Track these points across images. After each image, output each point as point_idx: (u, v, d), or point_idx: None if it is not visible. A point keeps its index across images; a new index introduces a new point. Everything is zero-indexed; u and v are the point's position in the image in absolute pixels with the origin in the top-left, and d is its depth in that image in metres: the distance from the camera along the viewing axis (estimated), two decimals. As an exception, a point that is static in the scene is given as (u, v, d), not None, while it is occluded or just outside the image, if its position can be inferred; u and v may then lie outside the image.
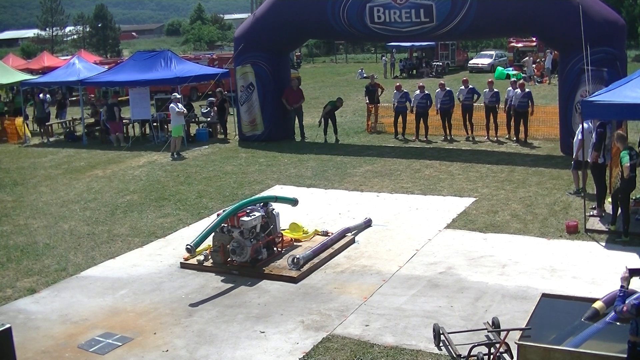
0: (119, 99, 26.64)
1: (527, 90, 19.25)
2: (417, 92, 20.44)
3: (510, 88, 19.52)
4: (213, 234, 10.21)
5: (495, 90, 19.64)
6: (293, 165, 17.53)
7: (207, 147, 21.04)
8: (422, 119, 20.37)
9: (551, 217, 12.18)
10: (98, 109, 24.50)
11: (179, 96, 20.11)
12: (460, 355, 7.10)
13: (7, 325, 6.33)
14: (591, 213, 11.90)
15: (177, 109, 19.48)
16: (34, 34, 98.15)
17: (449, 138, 20.20)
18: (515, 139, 19.25)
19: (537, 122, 20.27)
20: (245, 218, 10.04)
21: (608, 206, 12.02)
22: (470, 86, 20.00)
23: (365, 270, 10.05)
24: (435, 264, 10.18)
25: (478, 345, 7.03)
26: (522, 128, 19.03)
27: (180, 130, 19.77)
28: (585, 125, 12.60)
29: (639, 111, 10.94)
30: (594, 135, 12.34)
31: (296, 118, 21.29)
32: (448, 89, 20.47)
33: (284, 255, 10.48)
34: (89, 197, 15.35)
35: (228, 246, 10.13)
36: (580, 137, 12.85)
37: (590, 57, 14.26)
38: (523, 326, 6.59)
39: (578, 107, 15.16)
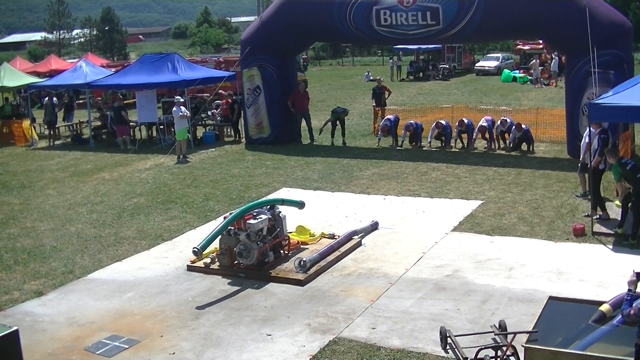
0: (125, 102, 26.72)
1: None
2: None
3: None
4: (220, 236, 10.22)
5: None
6: (300, 168, 17.54)
7: (213, 149, 21.08)
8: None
9: (558, 220, 12.16)
10: (105, 112, 24.57)
11: (182, 100, 20.17)
12: (467, 358, 7.08)
13: (14, 328, 6.35)
14: (588, 214, 11.81)
15: (181, 113, 19.52)
16: (42, 37, 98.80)
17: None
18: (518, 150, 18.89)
19: (544, 124, 20.21)
20: (252, 221, 10.05)
21: (607, 209, 12.02)
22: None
23: (372, 273, 10.05)
24: (442, 266, 10.17)
25: (485, 348, 7.02)
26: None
27: (184, 133, 19.79)
28: (592, 128, 12.57)
29: (646, 114, 10.92)
30: (596, 141, 12.29)
31: (302, 121, 21.30)
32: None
33: (291, 258, 10.48)
34: (96, 199, 15.39)
35: (235, 249, 10.14)
36: (587, 140, 12.80)
37: (597, 59, 14.23)
38: (530, 329, 6.58)
39: (585, 110, 15.12)
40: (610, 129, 15.07)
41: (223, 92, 24.64)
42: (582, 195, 13.38)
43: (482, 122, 19.12)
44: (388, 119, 20.46)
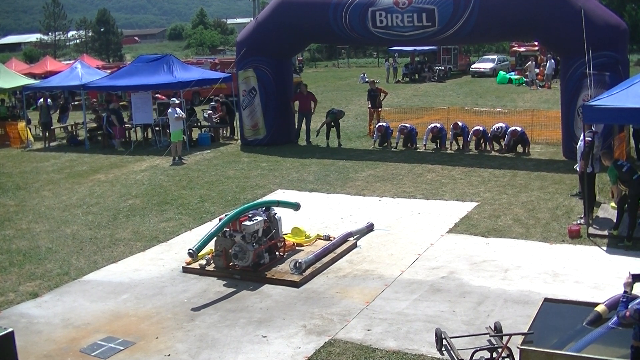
0: (121, 103, 26.70)
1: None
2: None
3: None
4: (215, 238, 10.21)
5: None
6: (295, 170, 17.53)
7: (209, 151, 21.06)
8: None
9: (553, 222, 12.17)
10: (100, 114, 24.53)
11: (177, 101, 20.16)
12: (463, 359, 7.09)
13: (10, 330, 6.34)
14: (578, 221, 11.80)
15: (176, 114, 19.50)
16: (37, 38, 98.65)
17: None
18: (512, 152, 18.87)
19: (539, 126, 20.23)
20: (247, 222, 10.04)
21: (601, 212, 12.01)
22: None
23: (368, 275, 10.05)
24: (438, 268, 10.17)
25: (480, 349, 7.02)
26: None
27: (180, 135, 19.79)
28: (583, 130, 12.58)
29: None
30: (581, 144, 12.31)
31: (303, 121, 21.30)
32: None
33: (286, 260, 10.48)
34: (92, 201, 15.37)
35: (230, 250, 10.13)
36: (581, 143, 12.81)
37: (593, 61, 14.26)
38: (525, 331, 6.58)
39: (580, 112, 15.13)
40: (605, 130, 15.14)
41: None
42: (577, 195, 13.37)
43: (477, 127, 19.17)
44: (383, 124, 20.56)
